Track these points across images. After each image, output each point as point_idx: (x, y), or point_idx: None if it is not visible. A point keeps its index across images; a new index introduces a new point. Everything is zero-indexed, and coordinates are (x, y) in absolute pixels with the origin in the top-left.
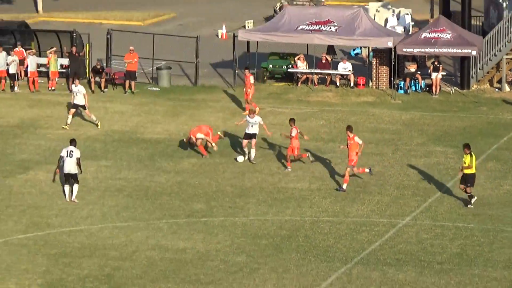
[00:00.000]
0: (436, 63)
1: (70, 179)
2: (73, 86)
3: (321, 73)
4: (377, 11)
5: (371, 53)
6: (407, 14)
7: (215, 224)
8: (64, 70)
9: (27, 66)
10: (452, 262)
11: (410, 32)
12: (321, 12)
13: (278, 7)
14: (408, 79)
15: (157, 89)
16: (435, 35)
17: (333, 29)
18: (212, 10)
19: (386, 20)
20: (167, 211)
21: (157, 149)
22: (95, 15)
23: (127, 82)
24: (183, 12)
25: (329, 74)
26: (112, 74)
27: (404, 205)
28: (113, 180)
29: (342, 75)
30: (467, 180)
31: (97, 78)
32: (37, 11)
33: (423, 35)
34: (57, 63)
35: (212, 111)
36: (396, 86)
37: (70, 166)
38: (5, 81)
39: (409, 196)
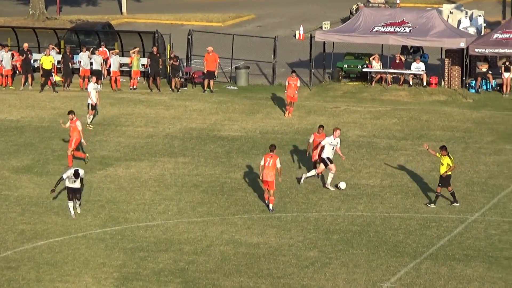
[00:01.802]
0: (507, 63)
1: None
2: (95, 85)
3: (394, 73)
4: (450, 12)
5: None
6: (480, 15)
7: (288, 219)
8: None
9: (110, 66)
10: None
11: (482, 33)
12: (395, 14)
13: (354, 9)
14: (479, 79)
15: (235, 88)
16: (506, 36)
17: (407, 30)
18: (290, 12)
19: (459, 22)
20: (242, 207)
21: (234, 146)
22: (177, 16)
23: (206, 81)
24: (262, 14)
25: (402, 74)
26: (191, 73)
27: (473, 201)
28: (190, 176)
29: (415, 75)
30: (445, 181)
31: (174, 65)
32: (121, 12)
33: (495, 36)
34: (139, 62)
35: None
36: (467, 85)
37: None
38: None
39: (478, 193)
